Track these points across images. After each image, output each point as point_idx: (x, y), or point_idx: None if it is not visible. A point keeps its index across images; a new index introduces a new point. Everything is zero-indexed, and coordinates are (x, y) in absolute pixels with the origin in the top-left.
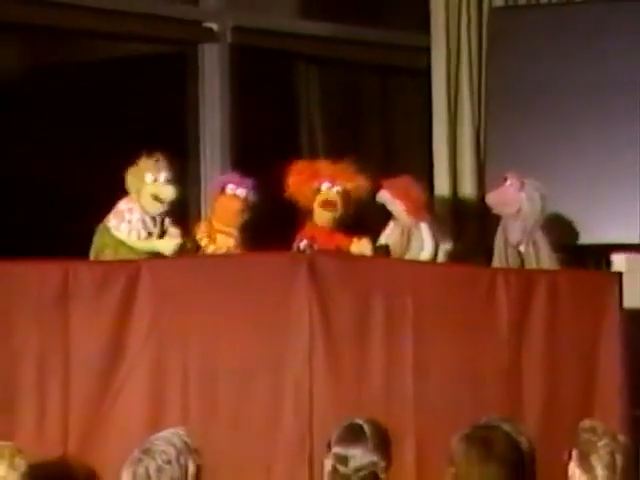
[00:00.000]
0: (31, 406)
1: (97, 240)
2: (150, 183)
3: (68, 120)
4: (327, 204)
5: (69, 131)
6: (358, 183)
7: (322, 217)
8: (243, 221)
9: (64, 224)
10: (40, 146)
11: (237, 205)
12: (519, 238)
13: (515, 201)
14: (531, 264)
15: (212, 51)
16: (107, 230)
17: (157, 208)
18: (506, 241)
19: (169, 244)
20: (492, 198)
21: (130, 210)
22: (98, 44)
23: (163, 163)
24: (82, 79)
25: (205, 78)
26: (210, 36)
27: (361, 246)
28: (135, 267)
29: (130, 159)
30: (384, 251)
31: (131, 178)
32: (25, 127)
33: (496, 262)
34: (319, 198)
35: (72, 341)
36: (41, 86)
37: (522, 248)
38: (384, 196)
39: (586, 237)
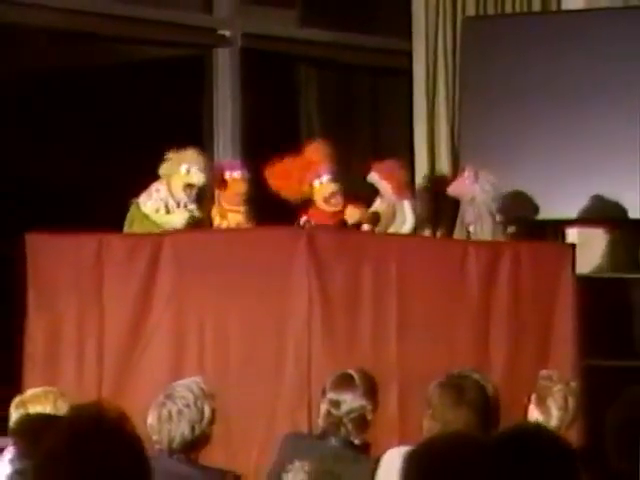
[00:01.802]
0: (71, 358)
1: (130, 213)
2: (184, 174)
3: (97, 116)
4: (331, 197)
5: (98, 126)
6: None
7: (328, 208)
8: (247, 197)
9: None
10: (74, 141)
11: (239, 186)
12: (470, 220)
13: (469, 191)
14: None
15: (225, 55)
16: (137, 205)
17: (188, 195)
18: (462, 221)
19: (179, 217)
20: (451, 189)
21: (158, 190)
22: (125, 48)
23: (197, 155)
24: (110, 80)
25: (219, 78)
26: (223, 41)
27: (352, 213)
28: (158, 239)
29: (154, 150)
30: (376, 217)
31: (167, 165)
32: (62, 125)
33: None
34: (321, 193)
35: (105, 302)
36: (71, 87)
37: (471, 228)
38: (374, 177)
39: (545, 213)
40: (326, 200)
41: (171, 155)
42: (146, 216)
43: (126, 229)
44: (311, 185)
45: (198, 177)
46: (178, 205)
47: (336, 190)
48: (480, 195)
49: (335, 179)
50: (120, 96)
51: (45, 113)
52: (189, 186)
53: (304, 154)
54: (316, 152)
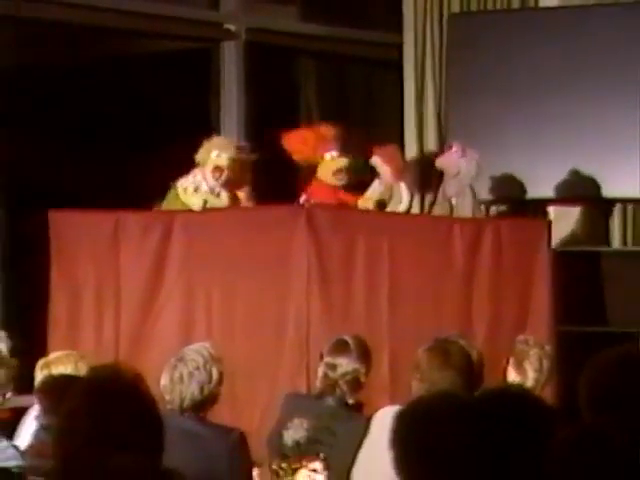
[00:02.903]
0: (91, 324)
1: (167, 201)
2: (214, 158)
3: (110, 105)
4: (338, 172)
5: (111, 114)
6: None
7: (334, 181)
8: (250, 177)
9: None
10: (90, 127)
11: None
12: (453, 193)
13: (456, 165)
14: (458, 212)
15: (230, 48)
16: (175, 190)
17: (217, 178)
18: (444, 193)
19: (197, 200)
20: (439, 162)
21: (194, 174)
22: (139, 41)
23: (227, 141)
24: (124, 71)
25: (225, 69)
26: (229, 35)
27: (365, 203)
28: (170, 217)
29: (165, 137)
30: (382, 206)
31: (200, 152)
32: (77, 113)
33: (437, 208)
34: (332, 166)
35: (122, 275)
36: (93, 77)
37: (454, 200)
38: (376, 161)
39: (529, 193)
40: (334, 173)
41: (205, 143)
42: (177, 195)
43: (164, 206)
44: (322, 156)
45: (225, 160)
46: (212, 190)
47: (344, 166)
48: (464, 170)
49: (344, 157)
50: (132, 86)
51: (59, 103)
52: (217, 169)
53: (318, 128)
54: (328, 130)
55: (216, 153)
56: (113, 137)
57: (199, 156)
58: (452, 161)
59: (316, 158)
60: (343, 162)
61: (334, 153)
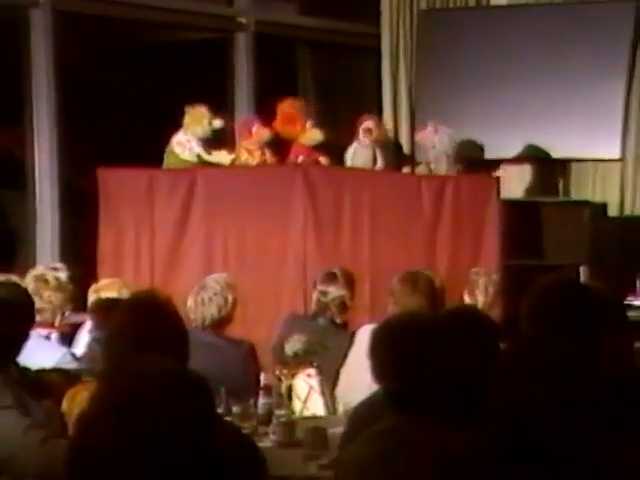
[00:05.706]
0: (131, 259)
1: (168, 160)
2: (207, 124)
3: (142, 85)
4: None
5: (147, 91)
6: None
7: (310, 143)
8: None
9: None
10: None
11: (264, 134)
12: (431, 160)
13: (431, 141)
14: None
15: (242, 37)
16: (173, 153)
17: (210, 139)
18: (425, 161)
19: (227, 157)
20: (418, 138)
21: (189, 141)
22: (164, 32)
23: (208, 110)
24: (153, 58)
25: (237, 56)
26: (241, 27)
27: (323, 160)
28: (193, 173)
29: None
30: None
31: (190, 118)
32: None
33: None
34: (312, 134)
35: (155, 220)
36: (130, 62)
37: (432, 165)
38: (369, 124)
39: (486, 154)
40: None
41: (191, 110)
42: (172, 154)
43: (165, 163)
44: (302, 128)
45: (218, 125)
46: (205, 148)
47: (318, 138)
48: (439, 143)
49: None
50: (160, 70)
51: (105, 84)
52: (212, 132)
53: (291, 108)
54: (295, 105)
55: (207, 120)
56: (145, 111)
57: (190, 120)
58: (428, 137)
59: (297, 132)
60: (318, 134)
61: (308, 124)
